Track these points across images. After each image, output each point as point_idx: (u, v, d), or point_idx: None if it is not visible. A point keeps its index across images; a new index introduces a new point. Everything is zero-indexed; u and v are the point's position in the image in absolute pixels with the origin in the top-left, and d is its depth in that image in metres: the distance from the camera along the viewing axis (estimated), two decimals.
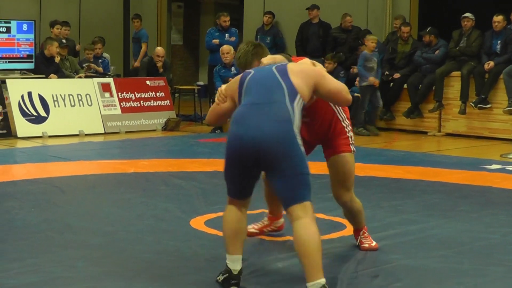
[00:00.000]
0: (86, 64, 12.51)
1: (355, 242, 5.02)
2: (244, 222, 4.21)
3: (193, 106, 13.32)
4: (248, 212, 4.26)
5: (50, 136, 10.60)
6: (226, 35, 12.94)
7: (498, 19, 11.23)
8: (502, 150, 9.98)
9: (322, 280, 3.87)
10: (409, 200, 6.68)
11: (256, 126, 3.94)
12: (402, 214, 6.08)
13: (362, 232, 4.98)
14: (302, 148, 3.99)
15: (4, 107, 10.51)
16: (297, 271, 4.49)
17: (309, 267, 3.89)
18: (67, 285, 4.20)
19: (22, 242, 5.04)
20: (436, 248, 5.04)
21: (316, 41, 13.22)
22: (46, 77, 11.36)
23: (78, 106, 11.15)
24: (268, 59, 4.42)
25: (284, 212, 5.16)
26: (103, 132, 11.22)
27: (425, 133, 11.78)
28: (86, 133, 10.97)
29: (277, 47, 13.77)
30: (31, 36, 11.76)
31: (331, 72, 12.18)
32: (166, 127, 11.80)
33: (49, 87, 11.04)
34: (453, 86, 11.58)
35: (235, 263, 4.13)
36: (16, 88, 10.71)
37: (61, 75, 11.57)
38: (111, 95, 11.55)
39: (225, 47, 11.61)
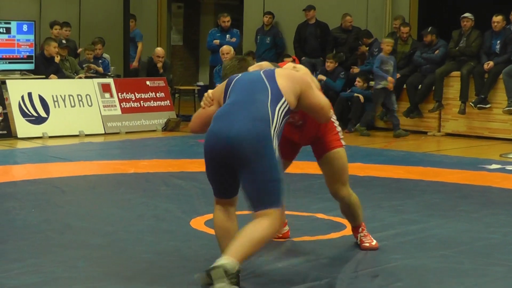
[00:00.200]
0: (86, 64, 12.51)
1: (354, 242, 5.01)
2: (234, 220, 4.18)
3: (193, 106, 13.33)
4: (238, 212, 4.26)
5: (50, 137, 10.60)
6: (227, 35, 12.94)
7: (497, 19, 11.24)
8: (502, 150, 9.99)
9: (227, 261, 3.72)
10: (409, 200, 6.68)
11: (232, 123, 3.91)
12: (402, 214, 6.08)
13: (361, 229, 4.97)
14: (277, 153, 3.93)
15: (4, 107, 10.51)
16: (297, 271, 4.50)
17: (230, 246, 3.78)
18: (67, 285, 4.20)
19: (23, 242, 5.04)
20: (436, 248, 5.05)
21: (314, 41, 13.22)
22: (46, 77, 11.36)
23: (78, 107, 11.15)
24: (254, 67, 4.45)
25: (286, 221, 5.18)
26: (103, 132, 11.22)
27: (425, 133, 11.79)
28: (86, 133, 10.97)
29: (277, 47, 13.78)
30: (31, 36, 11.76)
31: (331, 72, 12.25)
32: (166, 127, 11.80)
33: (49, 87, 11.04)
34: (453, 86, 11.58)
35: None
36: (16, 89, 10.71)
37: (61, 75, 11.57)
38: (111, 96, 11.55)
39: (225, 48, 11.61)
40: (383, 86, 11.40)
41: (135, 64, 13.50)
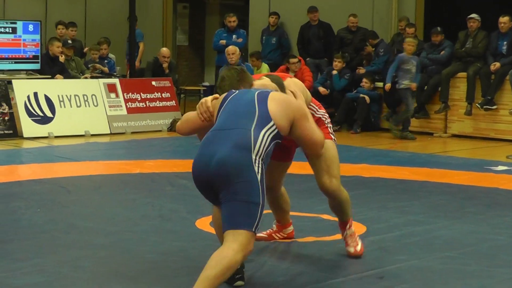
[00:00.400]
0: (91, 64, 12.52)
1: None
2: None
3: None
4: None
5: (56, 137, 10.61)
6: (234, 36, 12.94)
7: (504, 20, 11.21)
8: (508, 151, 9.96)
9: None
10: (415, 201, 6.67)
11: (215, 152, 3.90)
12: (408, 215, 6.06)
13: (348, 226, 4.84)
14: (259, 177, 3.85)
15: (10, 107, 10.53)
16: (301, 272, 4.49)
17: (199, 278, 3.72)
18: (72, 285, 4.20)
19: (28, 242, 5.05)
20: (442, 249, 5.03)
21: (317, 42, 13.20)
22: (51, 77, 11.38)
23: (84, 107, 11.16)
24: (259, 85, 4.35)
25: (291, 221, 5.16)
26: (109, 132, 11.23)
27: (431, 134, 11.76)
28: (92, 133, 10.98)
29: (283, 47, 13.78)
30: (37, 36, 11.78)
31: (339, 72, 12.22)
32: (172, 127, 11.80)
33: (55, 87, 11.05)
34: (459, 87, 11.56)
35: None
36: (22, 89, 10.72)
37: (67, 75, 11.59)
38: (117, 96, 11.56)
39: (231, 48, 11.60)
40: (406, 86, 11.20)
41: (136, 64, 13.50)
